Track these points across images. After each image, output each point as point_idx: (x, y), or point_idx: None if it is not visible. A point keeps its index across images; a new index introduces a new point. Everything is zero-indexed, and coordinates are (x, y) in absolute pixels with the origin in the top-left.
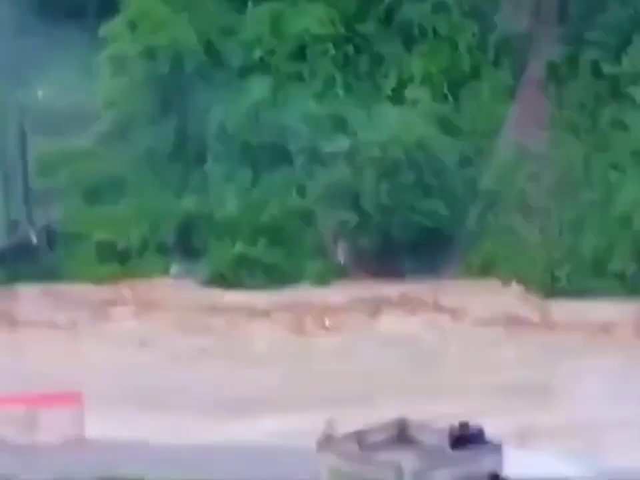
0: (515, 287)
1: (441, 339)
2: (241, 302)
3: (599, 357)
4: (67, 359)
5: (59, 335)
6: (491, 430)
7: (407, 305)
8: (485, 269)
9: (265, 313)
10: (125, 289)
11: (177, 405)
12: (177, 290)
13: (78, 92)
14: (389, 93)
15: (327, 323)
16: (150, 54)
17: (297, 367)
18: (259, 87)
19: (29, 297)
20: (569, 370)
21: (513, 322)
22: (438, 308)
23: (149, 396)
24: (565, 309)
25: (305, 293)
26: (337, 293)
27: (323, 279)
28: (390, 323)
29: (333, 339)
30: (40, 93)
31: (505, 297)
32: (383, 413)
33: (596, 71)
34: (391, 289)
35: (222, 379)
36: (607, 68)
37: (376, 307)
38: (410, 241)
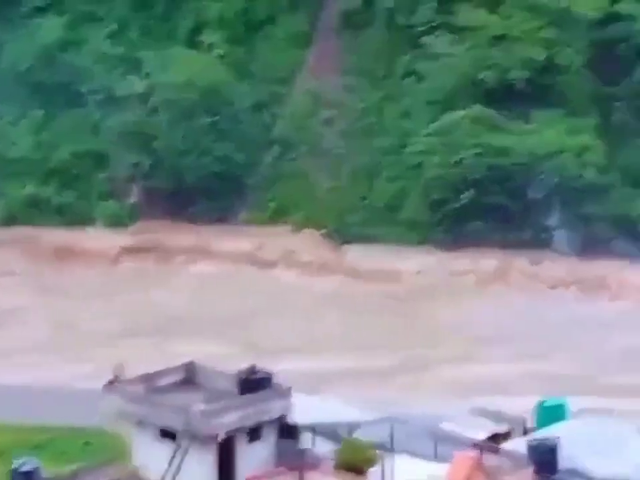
0: (308, 232)
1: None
2: None
3: None
4: None
5: None
6: None
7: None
8: (278, 214)
9: None
10: None
11: None
12: None
13: None
14: (185, 36)
15: None
16: None
17: None
18: (52, 27)
19: None
20: None
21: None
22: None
23: None
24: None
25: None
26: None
27: (115, 221)
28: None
29: None
30: None
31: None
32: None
33: (391, 20)
34: (181, 235)
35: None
36: (400, 18)
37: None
38: (203, 184)
